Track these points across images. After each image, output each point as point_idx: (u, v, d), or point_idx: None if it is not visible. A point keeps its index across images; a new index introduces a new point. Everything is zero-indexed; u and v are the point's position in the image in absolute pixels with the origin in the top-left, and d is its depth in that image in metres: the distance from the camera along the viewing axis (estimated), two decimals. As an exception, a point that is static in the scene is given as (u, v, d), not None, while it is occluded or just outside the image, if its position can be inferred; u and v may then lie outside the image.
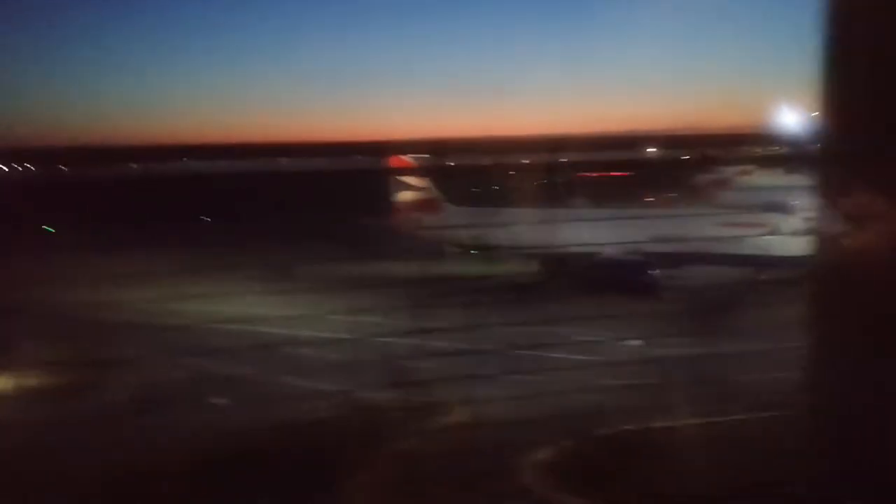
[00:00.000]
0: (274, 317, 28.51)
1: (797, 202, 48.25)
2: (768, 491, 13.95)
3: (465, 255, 44.78)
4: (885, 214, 3.16)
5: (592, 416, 19.05)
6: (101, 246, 45.36)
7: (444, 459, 16.87)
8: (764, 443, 17.35)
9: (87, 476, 17.19)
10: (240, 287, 35.54)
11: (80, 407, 21.08)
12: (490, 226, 44.58)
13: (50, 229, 55.54)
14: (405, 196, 55.22)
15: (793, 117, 62.80)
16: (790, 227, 43.42)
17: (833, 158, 3.43)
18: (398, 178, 54.43)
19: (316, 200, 62.52)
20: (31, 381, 22.56)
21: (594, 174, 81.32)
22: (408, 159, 58.53)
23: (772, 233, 42.33)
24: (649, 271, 40.82)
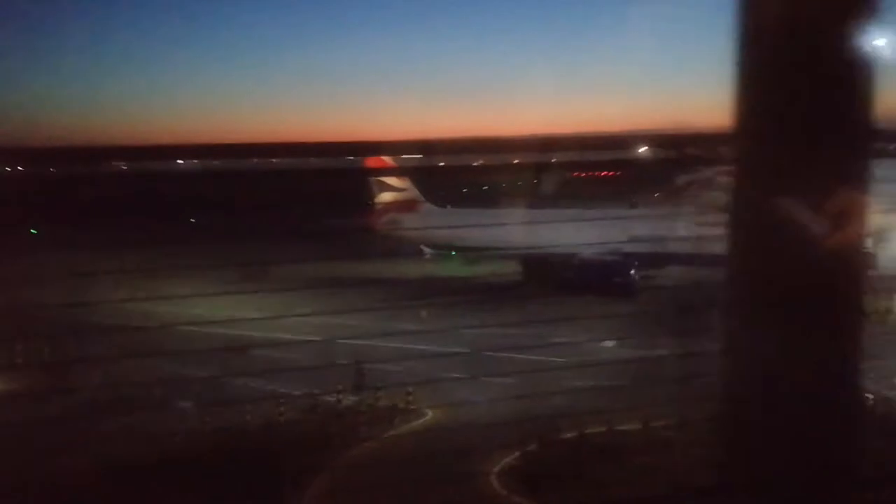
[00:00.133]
0: (246, 318, 27.95)
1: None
2: (730, 492, 13.55)
3: (443, 256, 44.24)
4: (795, 218, 2.64)
5: (560, 419, 18.67)
6: (81, 246, 44.49)
7: (402, 464, 16.45)
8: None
9: (41, 479, 16.74)
10: (217, 288, 34.89)
11: (39, 410, 20.49)
12: (470, 226, 44.01)
13: (32, 230, 54.55)
14: (384, 196, 54.69)
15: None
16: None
17: (746, 160, 2.87)
18: (377, 178, 53.76)
19: (295, 200, 61.76)
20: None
21: (578, 174, 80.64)
22: (387, 159, 57.53)
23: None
24: (629, 272, 40.36)
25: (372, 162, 56.43)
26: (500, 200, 51.21)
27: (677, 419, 17.37)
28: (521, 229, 43.36)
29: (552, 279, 40.17)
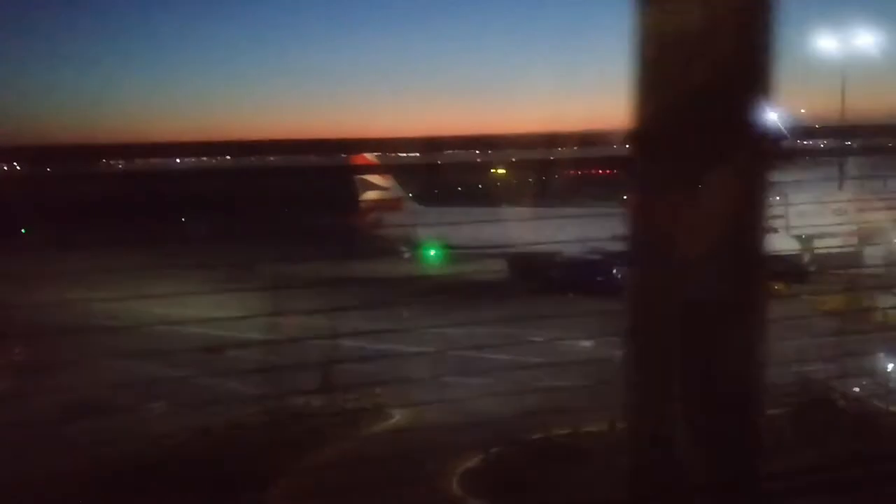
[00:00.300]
0: (224, 318, 27.79)
1: (773, 199, 48.02)
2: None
3: (425, 254, 44.12)
4: (692, 218, 2.91)
5: (528, 419, 18.59)
6: (70, 246, 44.30)
7: (366, 466, 16.35)
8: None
9: (8, 483, 16.61)
10: (199, 287, 34.69)
11: (9, 413, 20.34)
12: (454, 225, 43.89)
13: (22, 229, 54.36)
14: (368, 195, 54.61)
15: (774, 112, 62.70)
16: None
17: (643, 159, 2.82)
18: (361, 177, 53.82)
19: (281, 199, 61.72)
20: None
21: (567, 172, 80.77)
22: (371, 157, 57.82)
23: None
24: (612, 270, 40.29)
25: (356, 160, 56.68)
26: (486, 199, 51.26)
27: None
28: (505, 228, 43.29)
29: (535, 278, 40.12)
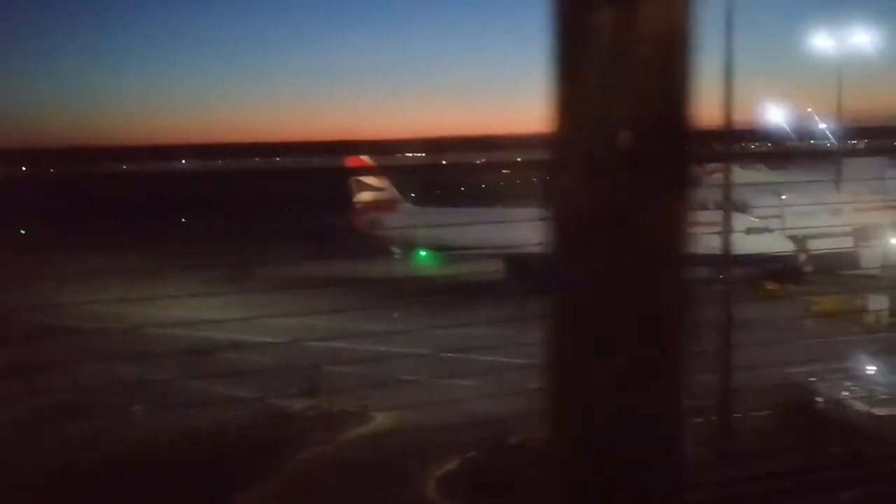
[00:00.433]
0: (216, 320, 27.72)
1: (758, 200, 47.93)
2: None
3: (418, 255, 44.07)
4: (613, 224, 2.42)
5: (513, 422, 18.46)
6: (68, 247, 44.30)
7: (347, 469, 16.29)
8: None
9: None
10: (194, 288, 34.57)
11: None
12: (449, 225, 43.82)
13: (21, 230, 54.38)
14: (363, 196, 54.62)
15: (772, 114, 62.74)
16: (751, 226, 43.07)
17: (561, 163, 2.66)
18: (357, 177, 53.77)
19: (278, 200, 61.73)
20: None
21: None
22: (366, 159, 57.65)
23: (721, 231, 41.82)
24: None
25: (352, 161, 56.64)
26: (480, 199, 51.22)
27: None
28: (500, 228, 43.15)
29: (527, 279, 39.97)
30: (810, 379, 19.69)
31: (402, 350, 25.64)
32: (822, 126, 59.99)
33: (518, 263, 42.69)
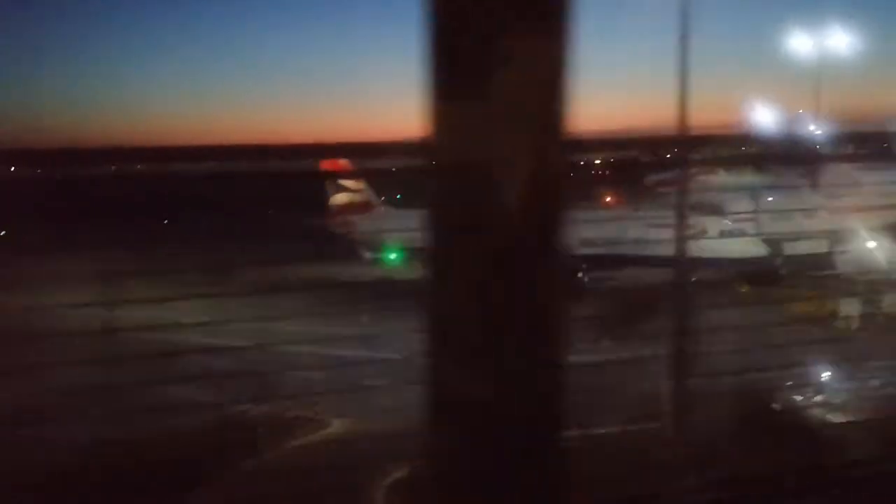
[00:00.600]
0: (188, 323, 27.46)
1: (741, 203, 48.02)
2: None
3: (393, 257, 43.90)
4: (488, 228, 2.80)
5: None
6: (46, 248, 44.01)
7: (296, 477, 16.04)
8: (625, 456, 16.68)
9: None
10: (171, 291, 34.23)
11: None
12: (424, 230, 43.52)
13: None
14: (337, 198, 54.46)
15: (759, 117, 63.05)
16: (724, 229, 43.16)
17: (438, 171, 2.54)
18: (333, 180, 53.68)
19: (259, 202, 61.56)
20: None
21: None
22: (342, 162, 57.91)
23: (702, 235, 41.90)
24: (576, 274, 40.15)
25: (327, 165, 56.57)
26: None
27: (583, 430, 17.06)
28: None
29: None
30: (772, 385, 19.54)
31: (369, 354, 25.45)
32: (800, 129, 60.29)
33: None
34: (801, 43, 53.63)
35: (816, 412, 18.33)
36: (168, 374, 23.39)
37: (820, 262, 42.45)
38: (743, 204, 47.60)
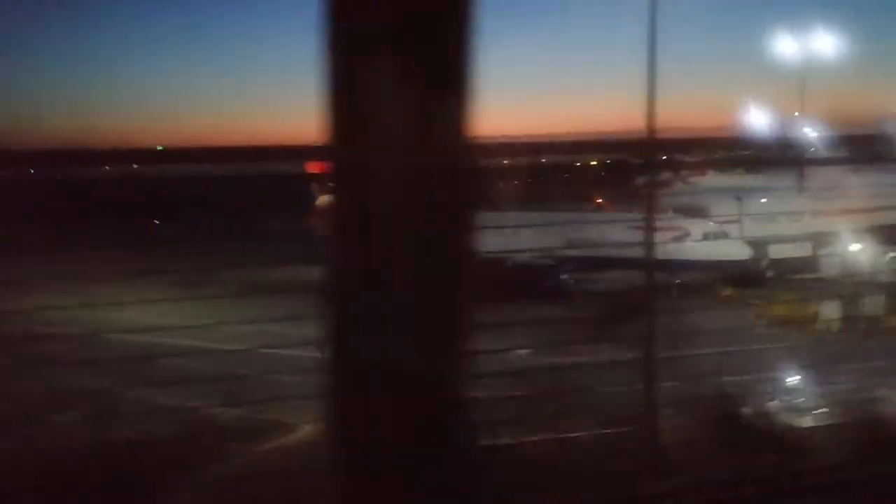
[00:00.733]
0: (170, 326, 27.23)
1: (727, 206, 48.05)
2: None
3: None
4: (391, 234, 2.79)
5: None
6: (31, 250, 43.66)
7: (261, 481, 15.94)
8: (596, 460, 16.64)
9: None
10: (156, 293, 34.05)
11: None
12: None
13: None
14: (324, 199, 54.31)
15: (746, 121, 63.07)
16: (708, 231, 43.13)
17: (337, 176, 2.49)
18: (319, 182, 53.66)
19: (240, 203, 61.43)
20: None
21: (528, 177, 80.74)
22: (325, 164, 57.62)
23: (686, 237, 41.91)
24: (560, 276, 40.16)
25: (314, 167, 56.50)
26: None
27: (551, 434, 17.03)
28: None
29: (486, 283, 39.85)
30: (745, 389, 19.50)
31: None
32: (786, 133, 60.39)
33: (485, 269, 42.27)
34: (786, 46, 53.65)
35: (787, 416, 18.28)
36: (144, 377, 23.34)
37: (804, 265, 42.53)
38: (728, 207, 47.60)
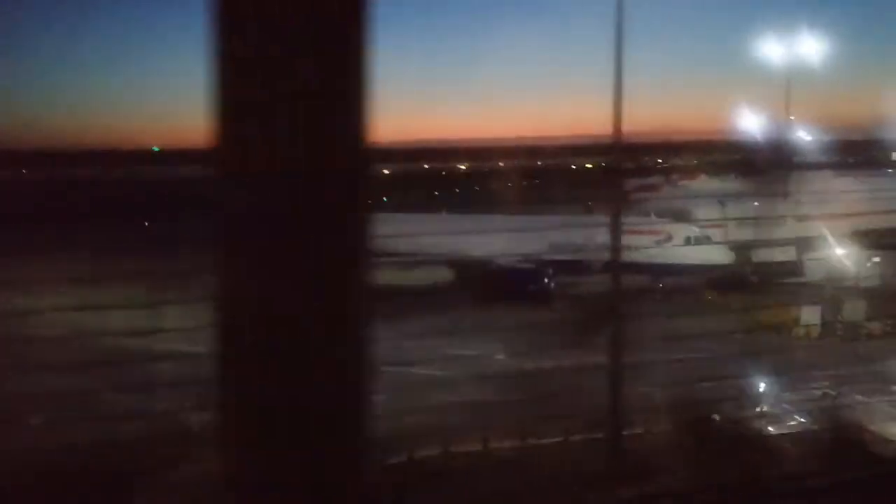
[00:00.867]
0: (151, 329, 27.04)
1: (711, 210, 47.98)
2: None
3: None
4: (280, 242, 2.65)
5: (403, 441, 18.01)
6: (18, 252, 43.16)
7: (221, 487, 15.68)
8: (558, 467, 16.55)
9: None
10: (144, 295, 33.79)
11: None
12: (390, 234, 43.13)
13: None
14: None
15: (733, 125, 63.00)
16: (691, 235, 43.02)
17: (225, 182, 2.37)
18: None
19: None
20: None
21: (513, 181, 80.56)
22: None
23: (668, 241, 41.83)
24: (542, 280, 39.97)
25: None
26: (424, 206, 50.86)
27: (523, 439, 17.01)
28: (442, 236, 42.76)
29: (463, 287, 39.84)
30: (716, 395, 19.47)
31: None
32: (772, 138, 60.34)
33: (471, 272, 42.33)
34: (771, 51, 53.57)
35: (756, 423, 18.26)
36: (120, 381, 23.13)
37: (788, 269, 42.47)
38: (712, 211, 47.55)
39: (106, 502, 16.29)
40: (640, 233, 41.61)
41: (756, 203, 48.94)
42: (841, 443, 16.76)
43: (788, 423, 18.54)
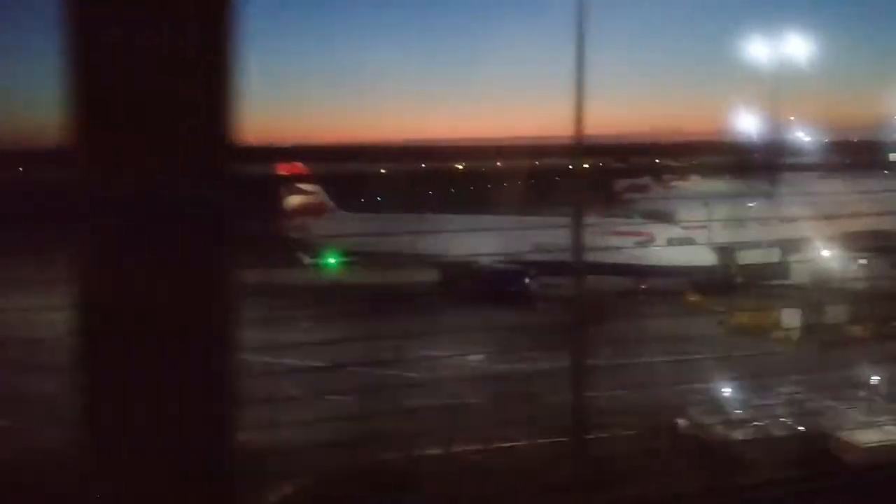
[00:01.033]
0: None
1: (696, 211, 47.71)
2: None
3: (332, 263, 43.22)
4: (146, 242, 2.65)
5: (372, 443, 17.77)
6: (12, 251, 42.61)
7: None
8: (518, 471, 16.29)
9: None
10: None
11: None
12: (378, 234, 43.00)
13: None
14: (289, 201, 53.73)
15: (722, 126, 62.81)
16: (674, 237, 42.79)
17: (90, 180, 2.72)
18: (287, 184, 53.03)
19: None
20: None
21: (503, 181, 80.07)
22: (298, 165, 57.38)
23: (650, 242, 41.60)
24: (523, 281, 39.77)
25: (283, 169, 55.92)
26: (414, 207, 50.57)
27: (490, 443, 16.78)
28: (427, 237, 42.49)
29: (447, 287, 39.68)
30: (686, 400, 19.20)
31: (296, 363, 24.95)
32: (760, 139, 60.23)
33: (452, 272, 42.15)
34: (759, 51, 53.40)
35: (725, 429, 17.96)
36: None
37: (772, 271, 42.25)
38: (698, 212, 47.26)
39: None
40: (623, 234, 41.45)
41: (743, 204, 48.70)
42: (809, 449, 16.51)
43: (756, 429, 18.22)
